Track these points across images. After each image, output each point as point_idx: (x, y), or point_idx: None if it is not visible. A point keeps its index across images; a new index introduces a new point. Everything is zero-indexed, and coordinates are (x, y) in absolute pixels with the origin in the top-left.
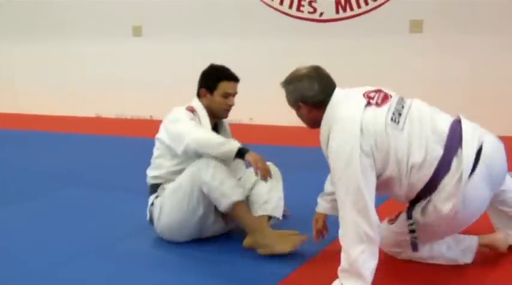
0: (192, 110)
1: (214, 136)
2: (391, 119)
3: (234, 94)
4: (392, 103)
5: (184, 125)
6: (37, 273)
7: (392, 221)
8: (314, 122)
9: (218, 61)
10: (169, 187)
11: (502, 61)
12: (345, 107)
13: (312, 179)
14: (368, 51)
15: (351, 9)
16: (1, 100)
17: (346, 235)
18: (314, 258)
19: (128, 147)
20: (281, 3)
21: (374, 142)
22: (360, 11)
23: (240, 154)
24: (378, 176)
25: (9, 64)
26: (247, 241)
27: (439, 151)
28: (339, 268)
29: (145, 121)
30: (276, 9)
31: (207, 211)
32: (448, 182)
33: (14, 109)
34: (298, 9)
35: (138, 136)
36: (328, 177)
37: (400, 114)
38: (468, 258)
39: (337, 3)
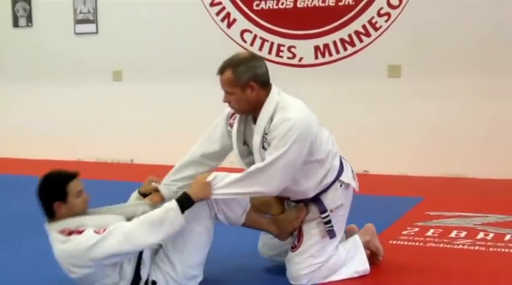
0: (70, 232)
1: (141, 221)
2: None
3: (83, 189)
4: None
5: (104, 246)
6: None
7: (294, 247)
8: (255, 104)
9: (199, 105)
10: (166, 247)
11: (481, 105)
12: (292, 101)
13: None
14: (347, 95)
15: (330, 54)
16: None
17: (256, 181)
18: None
19: (108, 191)
20: (260, 48)
21: (316, 133)
22: (339, 56)
23: (184, 205)
24: (310, 157)
25: None
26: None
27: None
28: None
29: (126, 165)
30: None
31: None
32: (347, 168)
33: None
34: (277, 55)
35: (119, 179)
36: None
37: None
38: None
39: (317, 48)
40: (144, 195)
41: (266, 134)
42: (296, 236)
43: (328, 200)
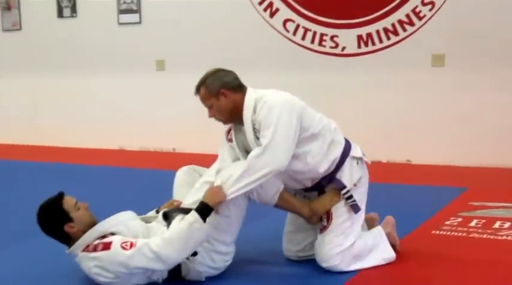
0: (95, 247)
1: (171, 232)
2: None
3: (76, 201)
4: None
5: (135, 262)
6: None
7: (323, 228)
8: (233, 108)
9: None
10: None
11: None
12: (271, 90)
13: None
14: (389, 85)
15: (373, 43)
16: (22, 132)
17: (261, 164)
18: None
19: (151, 179)
20: (303, 37)
21: (302, 109)
22: (382, 45)
23: (205, 212)
24: (304, 133)
25: (32, 98)
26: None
27: None
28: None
29: (168, 154)
30: (298, 44)
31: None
32: (355, 145)
33: (34, 141)
34: (320, 44)
35: (161, 168)
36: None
37: None
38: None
39: (359, 38)
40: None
41: (255, 125)
42: (325, 217)
43: (347, 176)
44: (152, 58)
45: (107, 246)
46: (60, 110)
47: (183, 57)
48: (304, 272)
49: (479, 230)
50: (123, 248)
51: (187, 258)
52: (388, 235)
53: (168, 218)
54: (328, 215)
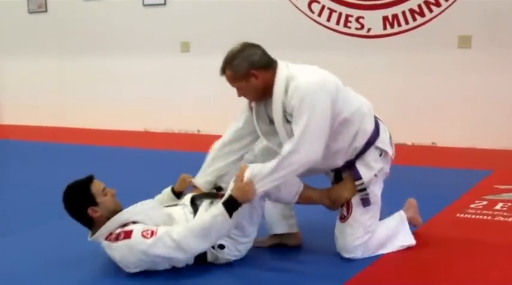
0: (117, 237)
1: (194, 224)
2: None
3: (105, 187)
4: None
5: (155, 251)
6: None
7: (344, 217)
8: (264, 87)
9: None
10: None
11: None
12: (303, 68)
13: None
14: (415, 66)
15: (399, 25)
16: (48, 114)
17: (294, 159)
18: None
19: (175, 161)
20: (328, 19)
21: (336, 89)
22: (408, 26)
23: (231, 206)
24: (336, 117)
25: (57, 80)
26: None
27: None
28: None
29: (193, 135)
30: (323, 25)
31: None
32: (385, 133)
33: (60, 123)
34: (345, 25)
35: (186, 150)
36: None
37: None
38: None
39: (385, 19)
40: (177, 193)
41: (286, 108)
42: (345, 206)
43: (366, 166)
44: (177, 40)
45: (128, 235)
46: (85, 92)
47: (207, 39)
48: (323, 258)
49: (505, 213)
50: (144, 236)
51: (213, 249)
52: (411, 219)
53: (195, 205)
54: (348, 206)
